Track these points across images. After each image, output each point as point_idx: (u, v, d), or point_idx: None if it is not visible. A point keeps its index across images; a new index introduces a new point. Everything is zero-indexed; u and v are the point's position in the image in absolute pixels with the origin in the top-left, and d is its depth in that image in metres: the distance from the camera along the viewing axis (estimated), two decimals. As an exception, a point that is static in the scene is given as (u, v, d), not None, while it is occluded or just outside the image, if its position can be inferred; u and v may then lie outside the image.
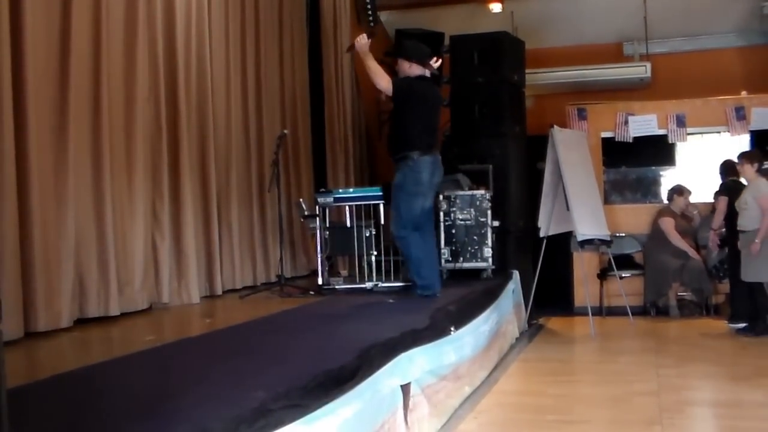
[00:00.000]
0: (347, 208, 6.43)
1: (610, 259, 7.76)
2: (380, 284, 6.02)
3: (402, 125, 5.18)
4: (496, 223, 6.79)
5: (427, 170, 5.14)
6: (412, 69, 5.28)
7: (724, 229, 7.13)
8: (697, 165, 8.52)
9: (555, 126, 7.54)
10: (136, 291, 5.11)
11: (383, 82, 5.10)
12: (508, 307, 6.61)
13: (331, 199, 6.32)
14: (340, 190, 6.69)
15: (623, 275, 7.92)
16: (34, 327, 4.10)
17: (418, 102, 5.17)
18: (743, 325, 6.65)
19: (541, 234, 7.39)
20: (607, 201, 8.47)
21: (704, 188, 8.05)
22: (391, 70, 5.67)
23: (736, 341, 6.44)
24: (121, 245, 5.01)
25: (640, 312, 7.89)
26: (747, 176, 6.43)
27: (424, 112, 5.22)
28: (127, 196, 5.11)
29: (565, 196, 7.24)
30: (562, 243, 7.94)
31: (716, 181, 7.43)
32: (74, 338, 4.24)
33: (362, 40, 5.12)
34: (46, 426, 2.30)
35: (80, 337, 4.30)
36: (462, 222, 6.76)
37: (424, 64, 5.32)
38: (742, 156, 6.52)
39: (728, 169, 7.08)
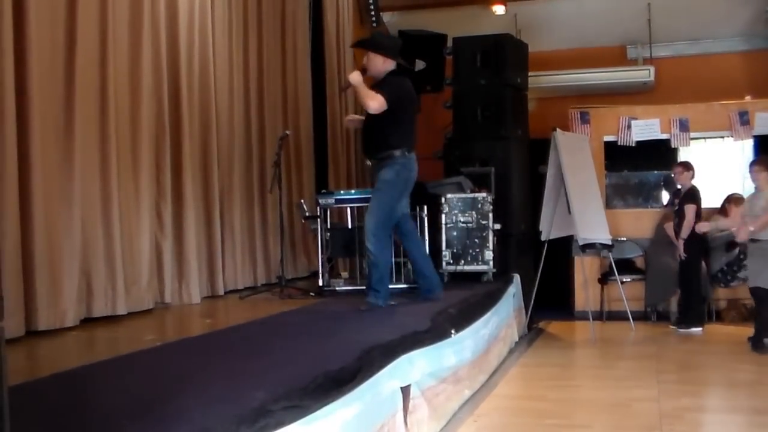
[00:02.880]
0: (348, 209, 6.42)
1: (611, 263, 7.75)
2: (381, 286, 5.99)
3: (390, 124, 4.94)
4: (497, 226, 6.78)
5: (415, 169, 5.05)
6: (386, 65, 5.04)
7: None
8: (700, 170, 8.49)
9: (557, 129, 7.54)
10: (142, 290, 5.11)
11: (375, 103, 4.86)
12: (509, 311, 6.60)
13: (333, 201, 6.31)
14: (342, 192, 6.68)
15: (624, 280, 7.91)
16: (35, 325, 4.10)
17: (406, 102, 5.05)
18: (698, 329, 7.12)
19: (543, 238, 7.39)
20: (608, 205, 8.46)
21: (707, 193, 8.03)
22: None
23: (736, 347, 6.42)
24: (128, 245, 5.01)
25: (641, 317, 7.88)
26: (760, 184, 6.27)
27: (409, 111, 5.09)
28: (133, 195, 5.12)
29: (567, 199, 7.23)
30: (564, 247, 7.94)
31: (720, 185, 7.44)
32: (75, 337, 4.24)
33: (356, 77, 4.95)
34: (47, 424, 2.30)
35: (82, 335, 4.30)
36: (463, 225, 6.75)
37: (397, 58, 5.09)
38: (758, 163, 6.38)
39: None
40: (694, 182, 7.37)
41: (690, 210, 7.18)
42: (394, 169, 4.95)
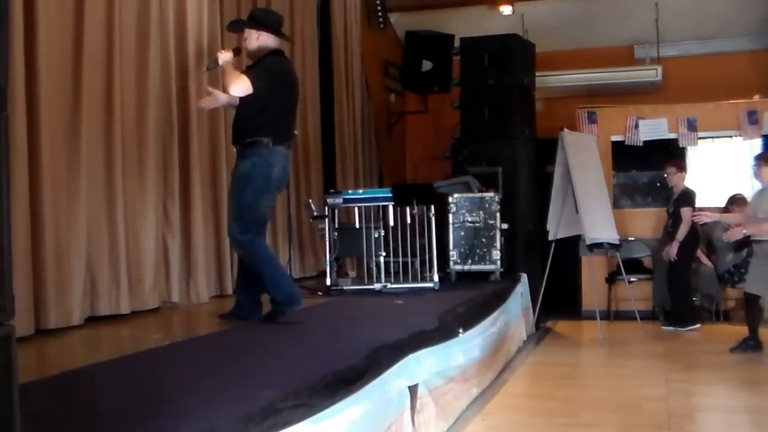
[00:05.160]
0: (356, 209, 6.43)
1: (618, 263, 7.74)
2: (389, 285, 6.01)
3: (256, 108, 4.34)
4: (505, 226, 6.78)
5: (280, 164, 4.37)
6: (261, 40, 4.48)
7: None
8: (708, 170, 8.48)
9: (565, 129, 7.53)
10: (147, 290, 5.12)
11: (238, 86, 4.30)
12: (517, 310, 6.61)
13: (341, 200, 6.32)
14: (350, 192, 6.69)
15: (632, 279, 7.89)
16: (45, 324, 4.13)
17: (280, 84, 4.45)
18: (696, 326, 7.21)
19: (550, 237, 7.38)
20: (616, 205, 8.44)
21: (715, 193, 8.01)
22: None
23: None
24: (133, 244, 5.02)
25: (649, 317, 7.87)
26: (765, 180, 6.10)
27: (283, 96, 4.48)
28: (139, 195, 5.13)
29: (575, 199, 7.23)
30: (571, 246, 7.93)
31: (729, 185, 7.41)
32: (84, 336, 4.26)
33: (225, 56, 4.45)
34: (55, 422, 2.32)
35: (90, 334, 4.32)
36: (471, 224, 6.75)
37: (278, 32, 4.56)
38: (762, 158, 6.17)
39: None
40: (693, 183, 7.36)
41: (687, 213, 7.17)
42: (251, 160, 4.32)
